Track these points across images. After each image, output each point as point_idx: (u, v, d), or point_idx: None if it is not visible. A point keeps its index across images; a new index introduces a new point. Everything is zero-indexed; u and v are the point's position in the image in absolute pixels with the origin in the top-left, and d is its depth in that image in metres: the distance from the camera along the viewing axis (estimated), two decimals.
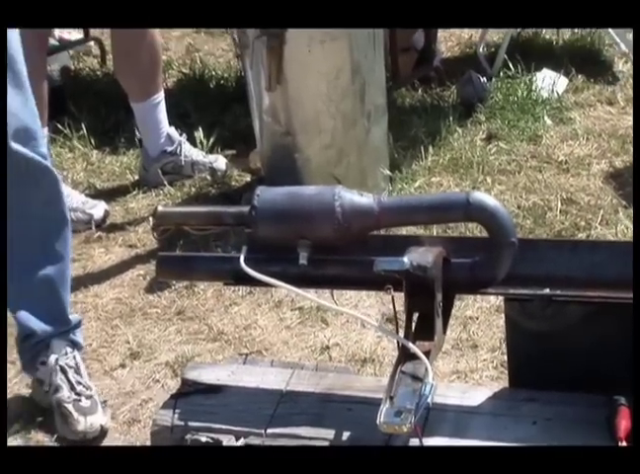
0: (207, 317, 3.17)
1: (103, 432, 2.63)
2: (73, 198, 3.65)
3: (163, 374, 2.90)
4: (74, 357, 2.71)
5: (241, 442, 1.51)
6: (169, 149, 3.99)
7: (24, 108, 2.61)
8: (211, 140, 4.20)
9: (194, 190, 3.96)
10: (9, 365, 2.93)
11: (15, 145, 2.57)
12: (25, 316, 2.71)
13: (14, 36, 2.60)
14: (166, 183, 3.92)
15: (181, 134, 4.07)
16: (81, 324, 2.82)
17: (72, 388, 2.67)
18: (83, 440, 2.63)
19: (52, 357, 2.68)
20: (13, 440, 2.66)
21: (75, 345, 2.75)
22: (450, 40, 5.38)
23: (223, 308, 3.21)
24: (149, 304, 3.20)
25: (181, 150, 4.02)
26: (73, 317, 2.78)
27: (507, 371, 1.93)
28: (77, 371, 2.70)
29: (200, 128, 4.22)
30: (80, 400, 2.66)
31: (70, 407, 2.64)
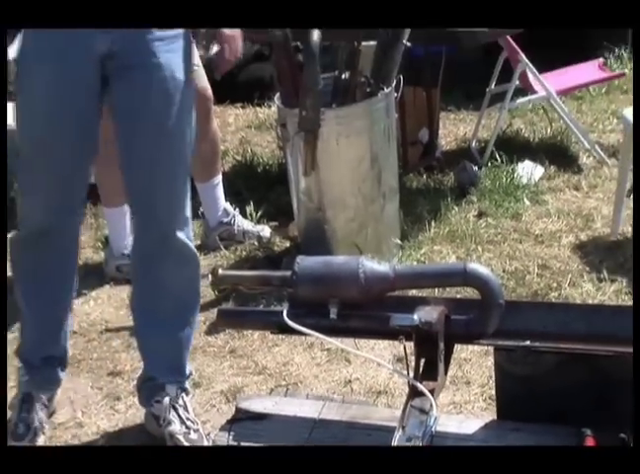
0: (254, 355, 3.15)
1: None
2: None
3: (218, 401, 2.88)
4: (183, 398, 2.66)
5: None
6: (225, 220, 4.00)
7: (187, 200, 2.62)
8: (259, 213, 4.20)
9: (244, 253, 3.95)
10: (96, 391, 2.93)
11: (178, 232, 2.57)
12: (152, 364, 2.70)
13: (190, 137, 2.59)
14: (222, 247, 3.92)
15: (235, 208, 4.08)
16: (192, 374, 2.80)
17: (182, 422, 2.61)
18: None
19: (167, 398, 2.63)
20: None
21: (184, 390, 2.70)
22: (449, 137, 5.40)
23: (267, 348, 3.19)
24: (208, 344, 3.19)
25: (235, 221, 4.03)
26: (187, 369, 2.75)
27: (494, 403, 1.92)
28: (186, 409, 2.65)
29: (251, 204, 4.23)
30: (189, 433, 2.60)
31: (182, 438, 2.58)
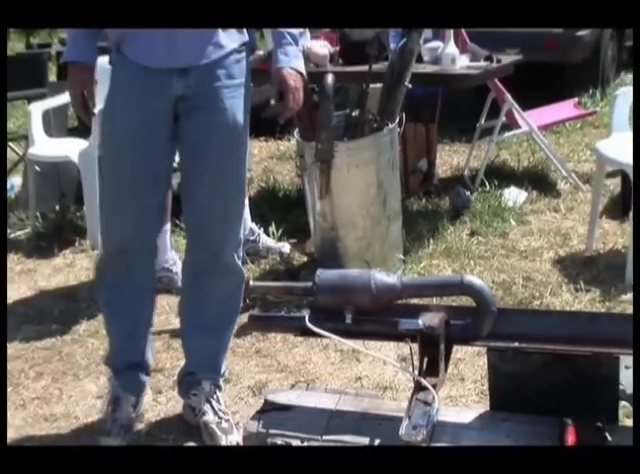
0: (276, 355, 3.15)
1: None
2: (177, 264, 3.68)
3: (246, 394, 2.88)
4: (216, 393, 2.65)
5: (305, 444, 1.50)
6: (251, 238, 4.00)
7: (239, 225, 2.61)
8: (280, 232, 4.19)
9: (268, 266, 3.95)
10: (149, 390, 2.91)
11: (228, 253, 2.55)
12: (193, 362, 2.69)
13: (244, 172, 2.55)
14: (249, 261, 3.91)
15: (259, 228, 4.08)
16: (225, 373, 2.77)
17: (215, 413, 2.59)
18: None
19: (202, 392, 2.62)
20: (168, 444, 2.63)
21: (218, 386, 2.68)
22: (445, 166, 5.40)
23: (287, 349, 3.19)
24: (236, 345, 3.18)
25: (259, 239, 4.03)
26: (222, 369, 2.73)
27: (485, 397, 1.91)
28: (218, 401, 2.63)
29: (273, 224, 4.22)
30: (221, 422, 2.58)
31: (215, 427, 2.57)
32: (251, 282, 1.75)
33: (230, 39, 2.41)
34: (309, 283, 1.62)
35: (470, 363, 2.94)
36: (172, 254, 3.74)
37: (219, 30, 2.38)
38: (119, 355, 2.70)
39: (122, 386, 2.66)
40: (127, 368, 2.68)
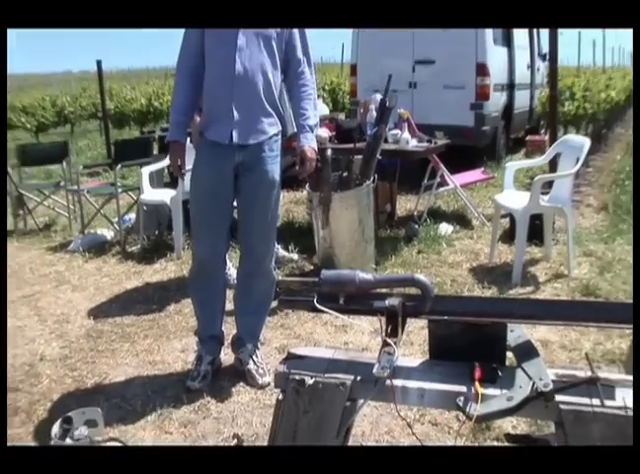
0: (293, 328, 3.18)
1: (269, 384, 2.57)
2: (231, 269, 3.66)
3: (274, 352, 2.91)
4: (256, 351, 2.69)
5: (312, 380, 1.51)
6: (278, 253, 4.04)
7: (274, 244, 2.63)
8: (296, 249, 4.23)
9: (287, 271, 3.98)
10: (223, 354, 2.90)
11: (267, 261, 2.58)
12: (242, 331, 2.71)
13: (277, 212, 2.60)
14: (275, 269, 3.93)
15: (281, 247, 4.11)
16: (262, 339, 2.78)
17: (255, 364, 2.64)
18: (261, 388, 2.57)
19: (246, 350, 2.66)
20: (225, 383, 2.63)
21: (257, 347, 2.71)
22: (402, 209, 5.42)
23: (301, 324, 3.22)
24: (268, 321, 3.14)
25: (279, 253, 4.07)
26: (261, 336, 2.75)
27: (426, 354, 1.92)
28: (257, 356, 2.68)
29: (291, 244, 4.26)
30: (258, 369, 2.62)
31: (254, 372, 2.61)
32: (279, 278, 1.78)
33: (271, 127, 2.49)
34: (317, 279, 1.64)
35: (417, 334, 2.98)
36: (228, 263, 3.77)
37: (265, 122, 2.44)
38: (203, 329, 2.73)
39: (204, 349, 2.69)
40: (208, 338, 2.71)
